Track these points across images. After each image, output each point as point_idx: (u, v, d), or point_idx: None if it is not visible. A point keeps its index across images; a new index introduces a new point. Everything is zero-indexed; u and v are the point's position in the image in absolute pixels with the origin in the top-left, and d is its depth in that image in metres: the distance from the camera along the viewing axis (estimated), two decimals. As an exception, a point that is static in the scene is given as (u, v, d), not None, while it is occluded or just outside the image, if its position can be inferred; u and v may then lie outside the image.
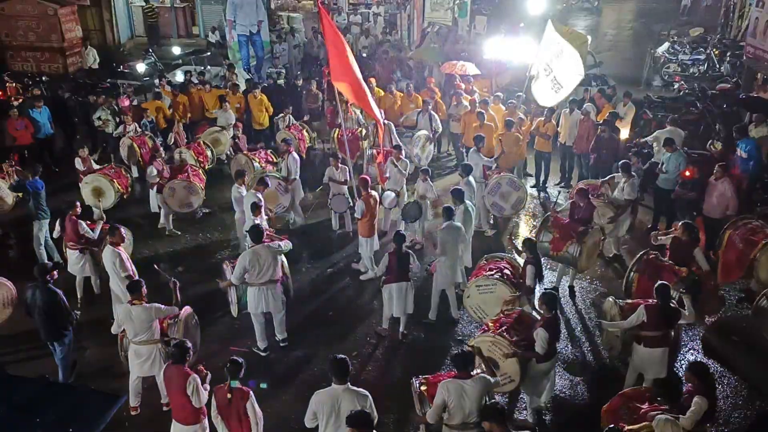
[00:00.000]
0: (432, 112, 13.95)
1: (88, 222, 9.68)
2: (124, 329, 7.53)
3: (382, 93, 15.16)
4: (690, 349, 8.86)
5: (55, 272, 7.90)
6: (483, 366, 6.60)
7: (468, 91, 14.88)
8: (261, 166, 12.53)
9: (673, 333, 7.58)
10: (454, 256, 9.15)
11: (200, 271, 10.81)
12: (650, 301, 7.47)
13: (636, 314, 7.38)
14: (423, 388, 6.68)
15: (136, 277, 8.35)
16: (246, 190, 10.54)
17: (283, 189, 11.63)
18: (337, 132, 13.52)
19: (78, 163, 11.65)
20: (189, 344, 6.72)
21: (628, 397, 6.69)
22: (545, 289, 8.59)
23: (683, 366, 8.41)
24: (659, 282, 7.52)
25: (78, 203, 9.74)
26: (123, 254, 8.63)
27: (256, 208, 9.67)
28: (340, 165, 11.47)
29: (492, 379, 6.34)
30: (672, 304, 7.45)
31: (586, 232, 9.48)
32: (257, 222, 9.36)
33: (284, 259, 8.92)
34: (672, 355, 7.77)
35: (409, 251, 8.89)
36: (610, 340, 8.11)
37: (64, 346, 8.00)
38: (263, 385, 7.55)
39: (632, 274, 8.83)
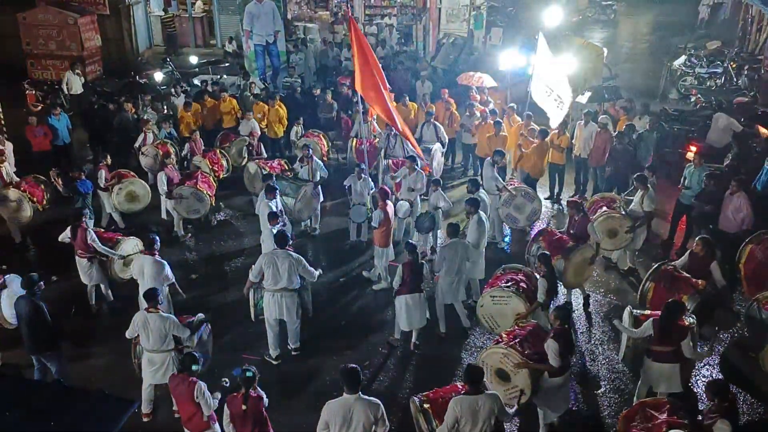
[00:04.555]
0: (436, 123, 13.95)
1: (119, 233, 9.89)
2: (138, 336, 7.59)
3: (395, 104, 15.18)
4: (705, 365, 8.77)
5: (41, 283, 7.89)
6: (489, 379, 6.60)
7: (483, 102, 14.89)
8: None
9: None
10: (456, 274, 9.09)
11: (214, 278, 10.87)
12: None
13: (644, 326, 7.36)
14: (426, 405, 6.63)
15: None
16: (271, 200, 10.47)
17: (316, 194, 11.71)
18: (354, 142, 13.56)
19: (101, 175, 11.68)
20: (198, 356, 6.76)
21: (648, 406, 6.64)
22: (559, 303, 8.54)
23: (698, 381, 8.39)
24: (671, 300, 7.46)
25: (87, 212, 9.82)
26: (165, 262, 8.74)
27: (273, 217, 9.68)
28: (363, 176, 11.50)
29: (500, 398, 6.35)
30: (687, 319, 7.35)
31: (574, 248, 9.40)
32: (275, 230, 9.38)
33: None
34: (686, 371, 7.69)
35: (423, 262, 8.89)
36: (625, 349, 8.07)
37: (53, 362, 8.00)
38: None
39: (648, 283, 8.78)
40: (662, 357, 7.30)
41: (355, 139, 13.66)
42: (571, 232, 9.81)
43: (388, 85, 11.56)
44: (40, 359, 8.06)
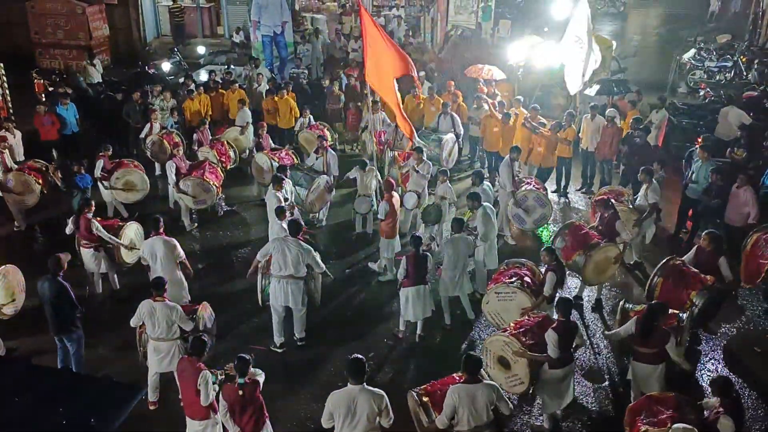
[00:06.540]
0: (453, 114, 13.89)
1: (118, 219, 9.89)
2: (143, 325, 7.63)
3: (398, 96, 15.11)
4: (711, 359, 8.77)
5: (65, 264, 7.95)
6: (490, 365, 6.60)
7: (490, 95, 14.83)
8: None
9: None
10: (458, 268, 9.09)
11: (220, 268, 10.91)
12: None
13: (626, 325, 7.35)
14: (425, 398, 6.66)
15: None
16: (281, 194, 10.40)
17: (329, 187, 11.70)
18: (366, 133, 13.49)
19: (100, 165, 11.57)
20: (207, 339, 6.80)
21: (654, 400, 6.62)
22: (564, 296, 8.51)
23: (703, 376, 8.39)
24: (654, 302, 7.48)
25: (93, 202, 9.85)
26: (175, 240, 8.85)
27: (281, 211, 9.67)
28: (368, 167, 11.46)
29: (500, 389, 6.38)
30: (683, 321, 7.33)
31: (596, 245, 9.33)
32: (284, 225, 9.33)
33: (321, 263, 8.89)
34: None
35: (427, 253, 8.90)
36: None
37: (73, 342, 8.06)
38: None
39: (656, 278, 8.69)
40: (644, 358, 7.27)
41: (365, 131, 13.60)
42: (600, 228, 9.72)
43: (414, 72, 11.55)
44: (62, 340, 8.10)
